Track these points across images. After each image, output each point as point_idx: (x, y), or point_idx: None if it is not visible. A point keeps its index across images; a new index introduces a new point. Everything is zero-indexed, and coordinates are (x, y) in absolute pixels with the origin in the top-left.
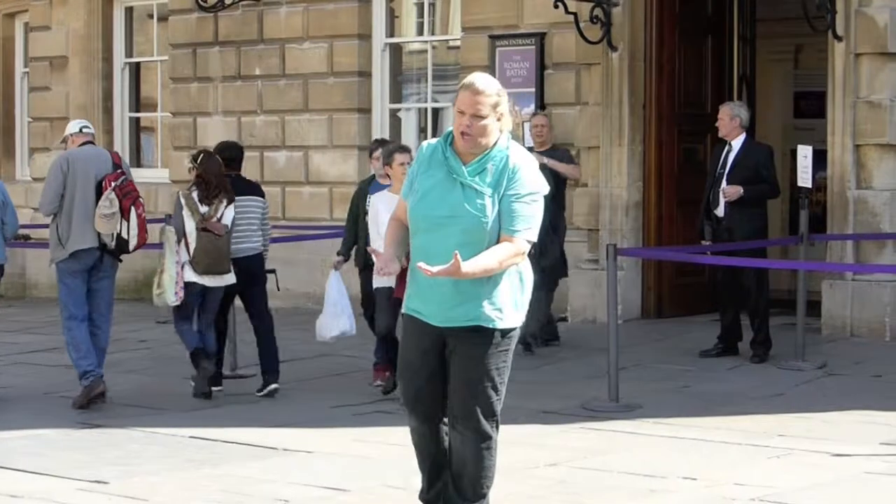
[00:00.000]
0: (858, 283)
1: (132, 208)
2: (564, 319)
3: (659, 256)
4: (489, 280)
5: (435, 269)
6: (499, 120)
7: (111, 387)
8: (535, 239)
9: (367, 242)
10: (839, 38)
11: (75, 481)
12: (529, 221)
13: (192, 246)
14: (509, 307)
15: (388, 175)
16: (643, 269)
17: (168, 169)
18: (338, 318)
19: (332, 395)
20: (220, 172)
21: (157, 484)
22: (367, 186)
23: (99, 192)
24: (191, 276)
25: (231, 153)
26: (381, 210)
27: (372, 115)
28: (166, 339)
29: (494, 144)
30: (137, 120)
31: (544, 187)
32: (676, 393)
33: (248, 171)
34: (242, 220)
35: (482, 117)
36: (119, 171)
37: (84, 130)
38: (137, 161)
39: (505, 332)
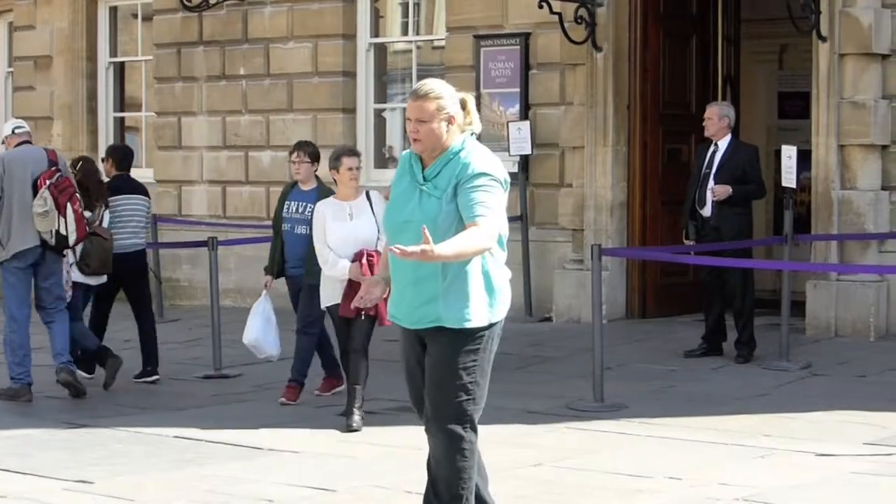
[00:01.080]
0: (843, 283)
1: (68, 204)
2: (549, 319)
3: (643, 256)
4: (449, 280)
5: (409, 249)
6: (449, 122)
7: (96, 384)
8: (497, 226)
9: (281, 254)
10: (823, 39)
11: (60, 481)
12: (488, 206)
13: (80, 249)
14: (476, 306)
15: (334, 180)
16: (628, 270)
17: (152, 169)
18: (264, 341)
19: (313, 395)
20: (98, 178)
21: (142, 484)
22: (289, 192)
23: (36, 191)
24: (77, 276)
25: (121, 154)
26: (329, 216)
27: (356, 115)
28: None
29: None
30: (122, 120)
31: (501, 175)
32: (661, 393)
33: (233, 170)
34: (133, 217)
35: (425, 121)
36: (54, 168)
37: (17, 131)
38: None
39: (472, 332)
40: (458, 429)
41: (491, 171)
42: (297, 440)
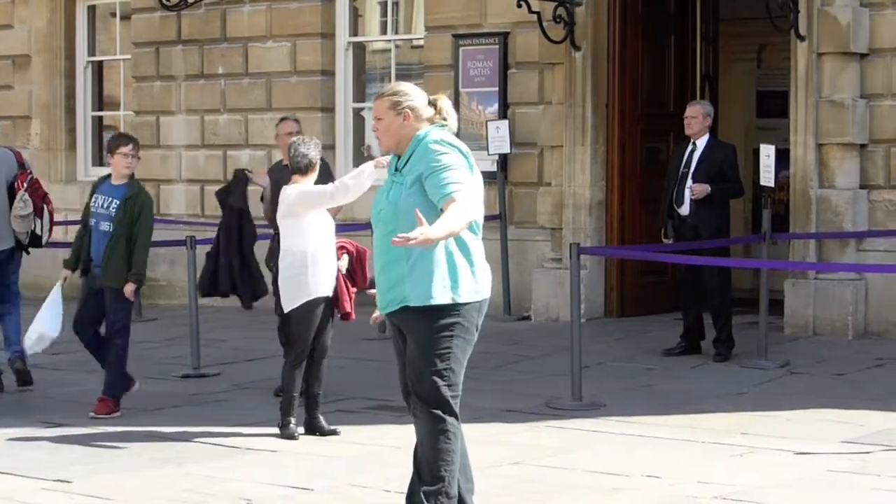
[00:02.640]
0: (821, 281)
1: (44, 206)
2: (528, 318)
3: (622, 255)
4: (413, 260)
5: (410, 234)
6: (405, 117)
7: (76, 386)
8: (474, 196)
9: (89, 252)
10: (802, 38)
11: (39, 480)
12: (458, 180)
13: None
14: (438, 285)
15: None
16: (606, 268)
17: None
18: (39, 323)
19: None
20: None
21: (121, 483)
22: (99, 185)
23: (11, 192)
24: None
25: None
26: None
27: (335, 114)
28: (130, 339)
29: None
30: (100, 119)
31: (465, 152)
32: (639, 391)
33: (212, 169)
34: None
35: (381, 118)
36: (29, 171)
37: None
38: (100, 160)
39: (438, 312)
40: (439, 413)
41: (451, 149)
42: (275, 439)
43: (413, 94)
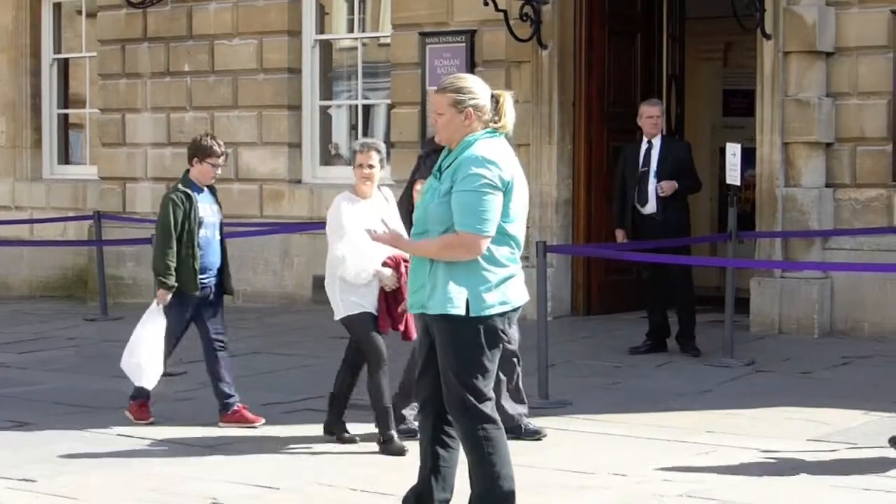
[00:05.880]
0: (787, 280)
1: None
2: None
3: (588, 253)
4: (435, 268)
5: (379, 231)
6: (467, 116)
7: (41, 384)
8: (488, 230)
9: (195, 266)
10: (768, 37)
11: (3, 480)
12: (471, 214)
13: None
14: (456, 295)
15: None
16: (573, 267)
17: (97, 166)
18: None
19: (261, 392)
20: None
21: (86, 482)
22: (195, 193)
23: None
24: None
25: None
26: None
27: (302, 111)
28: (95, 337)
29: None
30: (66, 116)
31: (497, 177)
32: (606, 389)
33: (178, 167)
34: None
35: (441, 113)
36: None
37: None
38: (66, 158)
39: (459, 321)
40: (468, 423)
41: (489, 171)
42: (242, 438)
43: (477, 90)
